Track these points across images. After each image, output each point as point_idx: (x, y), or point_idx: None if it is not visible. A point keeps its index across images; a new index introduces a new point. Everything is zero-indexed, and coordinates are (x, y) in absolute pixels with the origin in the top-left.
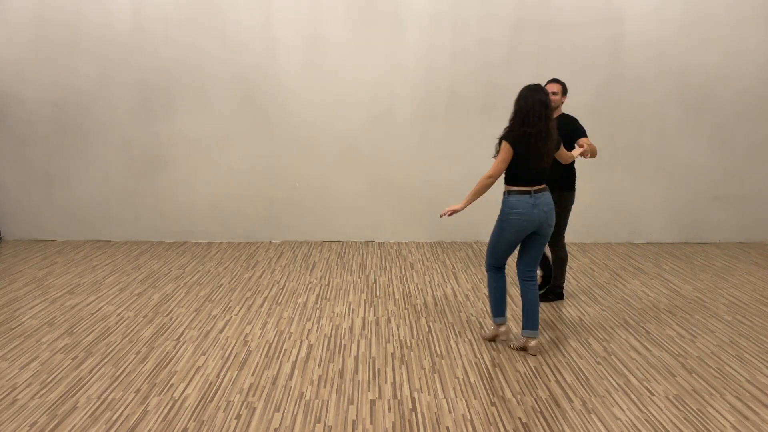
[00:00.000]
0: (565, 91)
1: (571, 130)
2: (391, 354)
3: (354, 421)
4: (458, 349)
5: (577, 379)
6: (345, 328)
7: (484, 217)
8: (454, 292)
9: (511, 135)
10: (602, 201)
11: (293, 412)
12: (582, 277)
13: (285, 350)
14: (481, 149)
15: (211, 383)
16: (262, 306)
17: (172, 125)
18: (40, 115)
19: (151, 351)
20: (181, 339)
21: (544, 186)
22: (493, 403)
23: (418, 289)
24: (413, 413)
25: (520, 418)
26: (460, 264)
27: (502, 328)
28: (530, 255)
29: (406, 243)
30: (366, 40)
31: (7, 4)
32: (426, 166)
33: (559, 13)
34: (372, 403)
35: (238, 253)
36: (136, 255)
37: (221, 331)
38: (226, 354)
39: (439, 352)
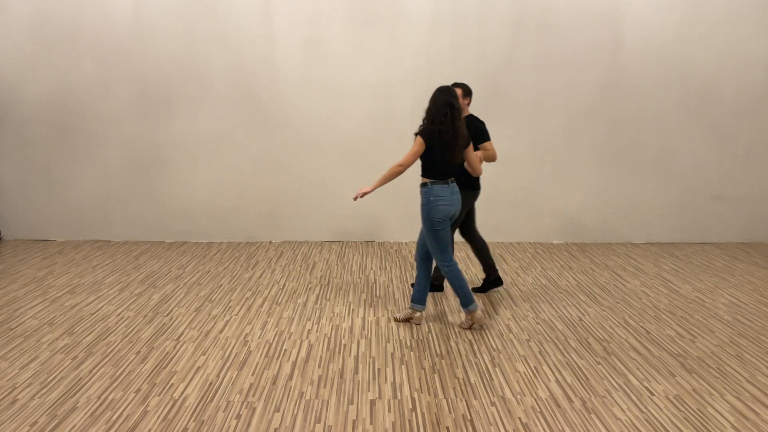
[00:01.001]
0: (465, 94)
1: (474, 132)
2: (391, 354)
3: (354, 421)
4: (458, 349)
5: (577, 379)
6: (345, 328)
7: (483, 217)
8: (454, 292)
9: (425, 131)
10: (602, 201)
11: (293, 412)
12: (582, 277)
13: (285, 350)
14: None
15: (211, 383)
16: (262, 306)
17: (172, 125)
18: (40, 115)
19: (151, 351)
20: (181, 339)
21: (453, 178)
22: (493, 403)
23: None
24: (413, 413)
25: (520, 418)
26: (460, 264)
27: (478, 313)
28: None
29: (406, 243)
30: (366, 40)
31: (7, 4)
32: None
33: (559, 13)
34: (372, 403)
35: (238, 253)
36: (136, 255)
37: (221, 331)
38: (226, 354)
39: (439, 352)
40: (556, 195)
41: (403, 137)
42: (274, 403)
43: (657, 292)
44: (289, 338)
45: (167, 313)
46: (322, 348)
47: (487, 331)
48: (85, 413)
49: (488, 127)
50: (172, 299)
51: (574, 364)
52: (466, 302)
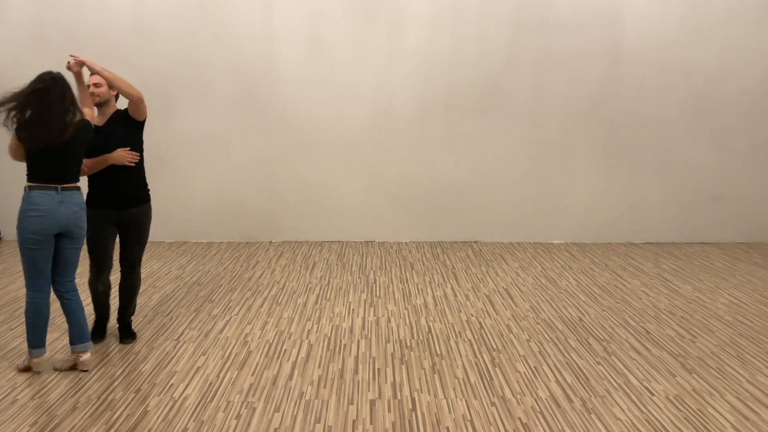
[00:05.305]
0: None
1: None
2: (391, 354)
3: (354, 421)
4: (458, 349)
5: (577, 379)
6: (345, 328)
7: (484, 217)
8: (454, 292)
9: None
10: (602, 201)
11: (293, 412)
12: (582, 277)
13: (285, 350)
14: (481, 149)
15: (211, 383)
16: (262, 306)
17: (172, 125)
18: None
19: (151, 351)
20: (181, 339)
21: (72, 185)
22: (493, 403)
23: (418, 289)
24: (413, 413)
25: (520, 418)
26: (460, 264)
27: (34, 361)
28: (66, 263)
29: (406, 243)
30: (366, 40)
31: (7, 3)
32: (426, 166)
33: (559, 13)
34: (372, 403)
35: (238, 253)
36: None
37: (221, 331)
38: (226, 354)
39: (439, 352)
40: (556, 195)
41: (403, 137)
42: (274, 403)
43: (657, 292)
44: (289, 338)
45: (167, 313)
46: (322, 348)
47: (487, 331)
48: (85, 413)
49: (488, 126)
50: (172, 299)
51: (574, 364)
52: (30, 343)
